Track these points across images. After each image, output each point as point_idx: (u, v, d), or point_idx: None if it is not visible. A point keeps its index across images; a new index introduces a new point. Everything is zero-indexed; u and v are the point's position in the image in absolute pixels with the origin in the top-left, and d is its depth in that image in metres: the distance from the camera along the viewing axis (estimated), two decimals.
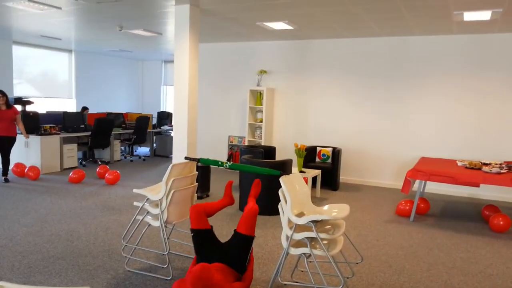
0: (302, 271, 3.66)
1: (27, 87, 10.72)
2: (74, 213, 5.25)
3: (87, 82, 12.29)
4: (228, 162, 3.51)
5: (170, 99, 13.70)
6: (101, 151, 9.38)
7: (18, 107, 8.16)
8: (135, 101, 14.03)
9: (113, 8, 6.17)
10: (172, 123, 11.41)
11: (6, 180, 6.91)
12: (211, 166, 9.15)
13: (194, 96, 6.13)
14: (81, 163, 8.86)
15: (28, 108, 8.77)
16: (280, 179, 3.08)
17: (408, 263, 3.96)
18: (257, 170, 3.45)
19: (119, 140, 9.56)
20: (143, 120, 9.59)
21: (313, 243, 3.00)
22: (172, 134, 10.72)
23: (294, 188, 3.21)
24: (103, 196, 6.17)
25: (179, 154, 6.06)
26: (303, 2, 5.38)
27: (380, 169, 7.79)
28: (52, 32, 8.69)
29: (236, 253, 2.93)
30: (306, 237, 2.93)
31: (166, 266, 3.61)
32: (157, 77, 13.86)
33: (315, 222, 2.90)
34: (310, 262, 3.74)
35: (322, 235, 2.89)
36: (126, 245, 4.02)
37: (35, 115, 8.02)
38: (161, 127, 11.05)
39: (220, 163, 3.54)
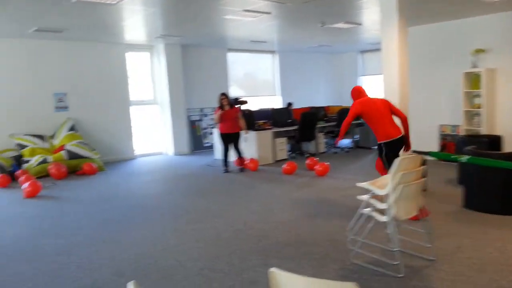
0: None
1: (235, 88, 12.11)
2: (293, 202, 5.62)
3: (289, 79, 13.13)
4: (465, 156, 3.16)
5: (367, 90, 13.41)
6: (307, 143, 9.84)
7: None
8: (333, 93, 14.29)
9: (316, 5, 6.35)
10: None
11: (241, 170, 7.83)
12: (427, 159, 8.53)
13: (405, 85, 5.80)
14: (290, 155, 9.48)
15: (242, 107, 9.83)
16: None
17: None
18: (502, 164, 3.01)
19: (322, 133, 9.86)
20: (345, 112, 9.63)
21: None
22: None
23: None
24: (316, 187, 6.44)
25: None
26: None
27: None
28: (259, 36, 9.53)
29: None
30: None
31: (396, 263, 3.48)
32: (353, 68, 13.80)
33: None
34: None
35: None
36: (352, 238, 4.03)
37: (251, 113, 8.94)
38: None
39: (452, 156, 3.23)
